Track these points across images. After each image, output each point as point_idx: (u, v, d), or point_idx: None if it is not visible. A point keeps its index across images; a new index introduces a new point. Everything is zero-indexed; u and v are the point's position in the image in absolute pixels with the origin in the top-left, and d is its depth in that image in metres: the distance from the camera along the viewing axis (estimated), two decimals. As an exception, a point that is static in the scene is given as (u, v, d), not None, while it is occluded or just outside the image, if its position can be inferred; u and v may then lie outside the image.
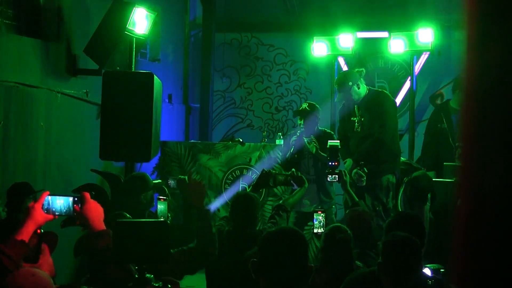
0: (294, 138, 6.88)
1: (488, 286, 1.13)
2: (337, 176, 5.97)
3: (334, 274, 4.05)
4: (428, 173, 6.85)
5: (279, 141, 8.38)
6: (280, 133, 8.97)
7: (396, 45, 8.36)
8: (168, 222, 5.11)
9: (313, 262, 6.57)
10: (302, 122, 6.88)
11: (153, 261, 3.16)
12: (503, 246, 1.11)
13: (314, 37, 8.68)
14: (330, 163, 6.11)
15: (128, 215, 4.55)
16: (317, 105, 7.09)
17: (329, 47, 8.62)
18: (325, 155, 6.45)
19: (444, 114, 7.79)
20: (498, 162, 1.13)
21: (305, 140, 6.77)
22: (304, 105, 7.08)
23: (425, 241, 4.02)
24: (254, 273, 2.37)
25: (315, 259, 7.64)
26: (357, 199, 5.65)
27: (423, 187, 6.15)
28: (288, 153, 6.90)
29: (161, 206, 5.25)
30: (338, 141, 6.38)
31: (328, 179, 6.14)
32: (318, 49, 8.65)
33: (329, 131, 7.25)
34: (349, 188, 5.74)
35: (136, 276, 3.09)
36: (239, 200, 4.97)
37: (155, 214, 5.52)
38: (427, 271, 4.03)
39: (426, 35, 8.24)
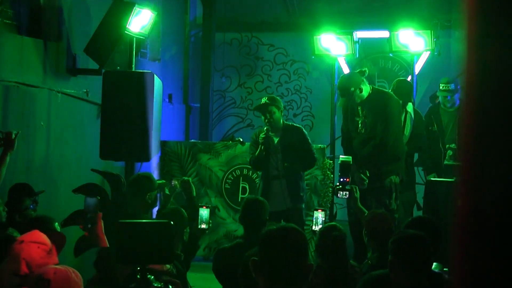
0: (262, 135, 6.65)
1: (488, 286, 1.13)
2: (347, 192, 5.87)
3: (330, 273, 4.04)
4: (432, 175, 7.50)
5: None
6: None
7: (402, 37, 8.19)
8: (207, 227, 5.16)
9: (312, 262, 6.51)
10: (267, 116, 6.70)
11: (157, 262, 3.16)
12: (503, 246, 1.11)
13: (322, 32, 8.50)
14: (341, 179, 5.94)
15: (184, 211, 4.59)
16: (277, 98, 6.99)
17: (334, 44, 8.54)
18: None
19: (435, 117, 7.75)
20: (498, 162, 1.13)
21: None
22: (264, 99, 6.95)
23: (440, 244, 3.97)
24: (254, 272, 2.33)
25: (312, 259, 7.65)
26: (367, 212, 5.54)
27: (408, 89, 7.41)
28: (258, 151, 6.75)
29: (203, 212, 5.22)
30: (350, 156, 6.15)
31: (338, 196, 6.03)
32: (325, 42, 8.46)
33: (297, 125, 7.08)
34: (359, 205, 5.64)
35: (138, 276, 3.08)
36: (249, 205, 4.94)
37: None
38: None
39: (426, 35, 8.21)
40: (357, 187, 5.84)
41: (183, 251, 4.79)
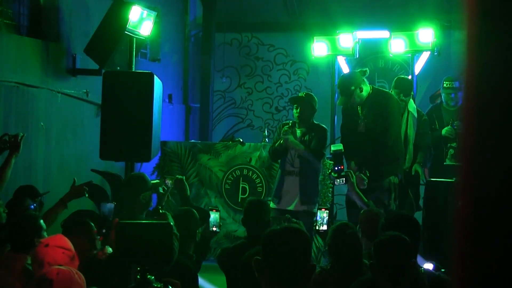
0: (285, 128, 6.57)
1: (488, 286, 1.13)
2: (344, 179, 5.96)
3: (344, 272, 4.01)
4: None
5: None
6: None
7: (396, 45, 8.34)
8: (219, 230, 5.22)
9: (315, 262, 6.48)
10: (298, 110, 6.63)
11: (156, 263, 3.16)
12: (503, 246, 1.11)
13: (314, 37, 8.64)
14: (335, 168, 6.02)
15: (196, 212, 4.63)
16: (314, 96, 6.85)
17: (329, 47, 8.59)
18: (303, 147, 6.42)
19: (437, 116, 7.75)
20: (498, 163, 1.13)
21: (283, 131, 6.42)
22: (301, 93, 6.90)
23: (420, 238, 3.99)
24: (257, 272, 2.33)
25: (315, 259, 7.64)
26: (366, 199, 5.58)
27: (408, 84, 7.29)
28: (278, 143, 6.64)
29: (214, 216, 5.28)
30: (341, 144, 6.19)
31: (336, 183, 6.08)
32: (318, 49, 8.62)
33: (324, 126, 6.87)
34: (357, 189, 5.69)
35: (138, 277, 3.08)
36: (250, 207, 4.95)
37: (152, 213, 5.52)
38: (429, 265, 4.02)
39: (426, 35, 8.22)
40: (352, 172, 5.91)
41: (195, 252, 4.81)
